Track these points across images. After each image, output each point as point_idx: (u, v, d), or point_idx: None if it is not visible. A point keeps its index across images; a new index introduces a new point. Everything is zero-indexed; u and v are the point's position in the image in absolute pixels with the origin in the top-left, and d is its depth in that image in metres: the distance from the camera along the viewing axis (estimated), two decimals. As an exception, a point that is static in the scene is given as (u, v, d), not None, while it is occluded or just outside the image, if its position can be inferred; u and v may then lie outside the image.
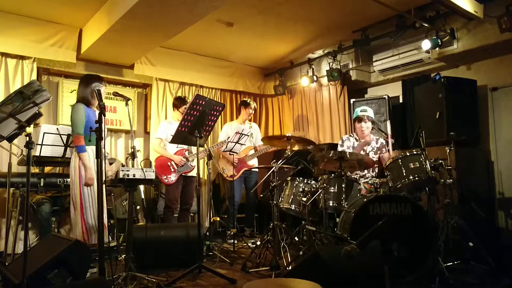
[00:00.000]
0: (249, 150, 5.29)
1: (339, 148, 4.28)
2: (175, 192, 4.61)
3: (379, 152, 4.19)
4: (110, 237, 3.60)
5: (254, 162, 5.32)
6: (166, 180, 4.55)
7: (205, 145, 4.54)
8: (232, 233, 4.53)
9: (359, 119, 4.15)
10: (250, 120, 5.53)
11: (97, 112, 3.47)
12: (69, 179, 4.05)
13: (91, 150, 3.29)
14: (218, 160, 5.22)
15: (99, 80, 3.41)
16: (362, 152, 4.13)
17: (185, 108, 4.58)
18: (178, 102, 4.76)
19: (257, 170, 5.33)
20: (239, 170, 5.19)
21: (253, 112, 5.37)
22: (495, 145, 4.75)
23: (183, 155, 4.64)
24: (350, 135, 4.36)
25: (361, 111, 4.19)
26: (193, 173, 4.72)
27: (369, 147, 4.20)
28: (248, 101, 5.38)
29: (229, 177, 5.10)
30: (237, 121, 5.44)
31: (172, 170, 4.58)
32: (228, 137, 4.78)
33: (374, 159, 4.06)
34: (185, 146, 4.63)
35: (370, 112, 4.21)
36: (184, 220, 4.73)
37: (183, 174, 4.63)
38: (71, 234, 3.44)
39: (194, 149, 4.64)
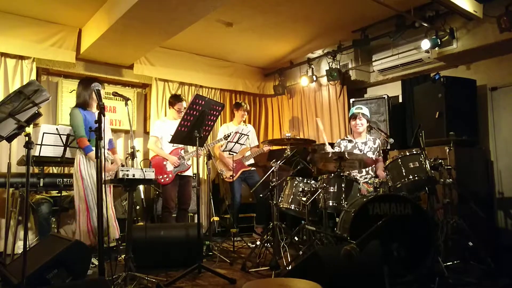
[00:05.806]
0: (246, 151, 5.31)
1: (336, 149, 4.30)
2: (172, 191, 4.60)
3: (376, 152, 4.21)
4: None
5: (251, 162, 5.34)
6: (162, 180, 4.55)
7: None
8: (233, 233, 4.54)
9: (354, 116, 4.25)
10: (245, 122, 5.55)
11: (96, 113, 3.47)
12: (68, 179, 4.08)
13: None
14: (217, 162, 5.25)
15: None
16: (359, 152, 4.15)
17: (180, 105, 4.64)
18: (173, 99, 4.78)
19: (255, 168, 5.35)
20: (237, 171, 5.19)
21: (245, 113, 5.41)
22: (495, 145, 4.75)
23: (178, 154, 4.64)
24: (344, 138, 4.39)
25: (356, 108, 4.29)
26: (190, 172, 4.73)
27: (367, 147, 4.22)
28: (240, 102, 5.43)
29: (228, 178, 5.15)
30: (233, 123, 5.46)
31: (168, 169, 4.58)
32: (225, 135, 4.76)
33: (373, 159, 4.07)
34: (181, 145, 4.62)
35: (365, 111, 4.24)
36: (183, 220, 4.72)
37: (179, 174, 4.63)
38: (76, 235, 3.46)
39: (190, 148, 4.64)
